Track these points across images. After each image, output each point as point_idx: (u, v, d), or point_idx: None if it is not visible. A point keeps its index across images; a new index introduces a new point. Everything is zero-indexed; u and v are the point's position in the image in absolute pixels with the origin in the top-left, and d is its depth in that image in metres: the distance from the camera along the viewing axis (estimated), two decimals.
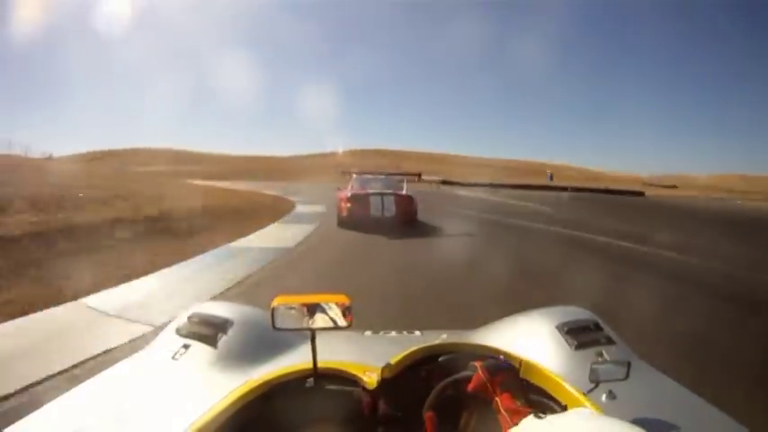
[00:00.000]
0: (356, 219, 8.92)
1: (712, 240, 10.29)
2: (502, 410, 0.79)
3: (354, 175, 10.94)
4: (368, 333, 1.55)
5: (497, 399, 0.82)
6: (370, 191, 9.35)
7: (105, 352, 2.79)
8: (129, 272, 4.73)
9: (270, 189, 21.53)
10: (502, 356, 0.95)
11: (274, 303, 0.91)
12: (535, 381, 0.93)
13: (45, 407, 0.97)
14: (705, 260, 7.31)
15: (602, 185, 37.60)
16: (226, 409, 0.82)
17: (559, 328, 1.25)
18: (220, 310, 1.33)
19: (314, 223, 9.81)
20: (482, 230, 10.02)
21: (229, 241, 7.16)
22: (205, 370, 1.10)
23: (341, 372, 0.95)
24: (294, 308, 0.91)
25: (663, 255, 7.64)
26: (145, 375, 1.11)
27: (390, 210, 9.09)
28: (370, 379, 0.92)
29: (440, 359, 0.96)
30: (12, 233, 5.87)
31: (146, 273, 4.83)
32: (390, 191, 9.49)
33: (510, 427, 0.70)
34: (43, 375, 2.43)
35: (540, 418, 0.67)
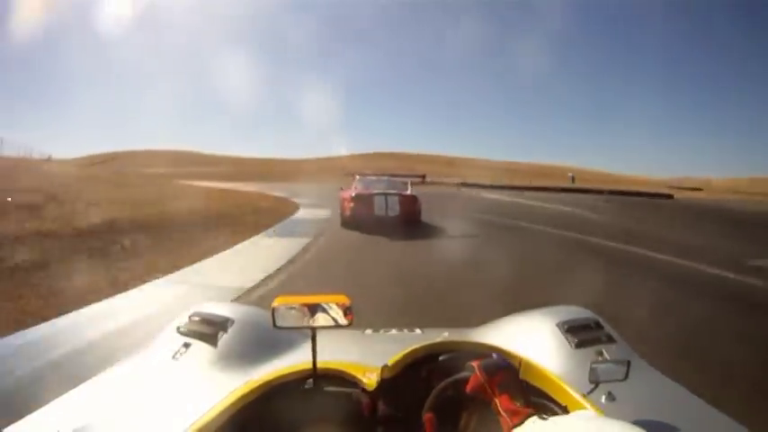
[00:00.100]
0: (359, 218, 8.82)
1: None
2: (501, 411, 0.78)
3: (358, 176, 10.80)
4: (368, 331, 1.52)
5: (496, 399, 0.80)
6: (374, 191, 9.24)
7: None
8: None
9: (277, 191, 20.52)
10: (501, 356, 0.94)
11: (275, 303, 0.92)
12: (535, 381, 0.92)
13: (45, 407, 0.98)
14: None
15: (623, 188, 36.25)
16: (226, 410, 0.83)
17: (560, 326, 1.24)
18: (221, 309, 1.32)
19: (310, 236, 8.05)
20: (537, 250, 7.90)
21: (167, 271, 4.98)
22: (205, 369, 1.10)
23: (341, 372, 0.96)
24: (295, 307, 0.92)
25: None
26: (145, 375, 1.11)
27: (394, 209, 9.01)
28: (370, 379, 0.92)
29: (440, 359, 0.96)
30: None
31: None
32: (394, 191, 9.40)
33: (511, 428, 0.70)
34: None
35: (544, 419, 0.67)
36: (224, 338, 1.20)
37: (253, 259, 5.98)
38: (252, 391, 0.89)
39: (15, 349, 2.86)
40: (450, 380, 0.89)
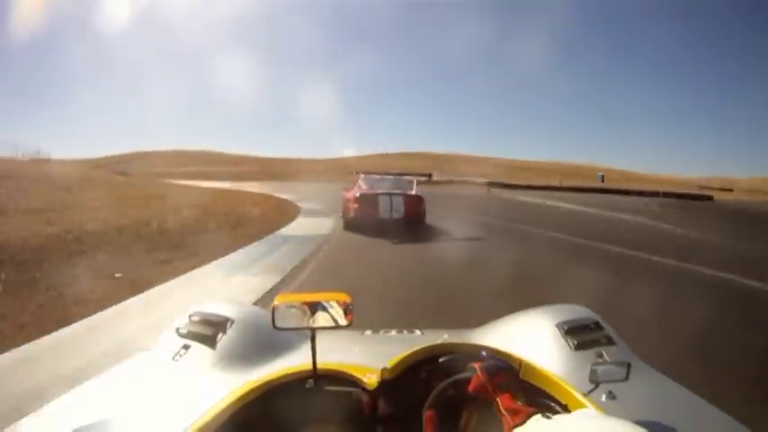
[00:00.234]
0: (363, 220, 8.55)
1: None
2: (503, 411, 0.78)
3: (362, 175, 10.51)
4: (368, 332, 1.52)
5: (498, 399, 0.80)
6: (379, 191, 8.99)
7: None
8: None
9: (285, 192, 19.22)
10: (502, 357, 0.94)
11: (275, 302, 0.92)
12: (535, 382, 0.92)
13: (45, 407, 1.00)
14: None
15: (655, 188, 34.19)
16: (226, 409, 0.83)
17: (559, 326, 1.23)
18: (221, 309, 1.34)
19: (279, 273, 5.41)
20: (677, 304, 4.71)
21: None
22: (205, 370, 1.11)
23: (341, 373, 0.96)
24: (295, 306, 0.92)
25: None
26: (145, 375, 1.13)
27: (399, 211, 8.74)
28: (370, 380, 0.92)
29: (440, 360, 0.96)
30: None
31: None
32: (399, 191, 9.15)
33: (512, 428, 0.71)
34: None
35: (547, 417, 0.68)
36: (224, 339, 1.20)
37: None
38: (252, 392, 0.89)
39: None
40: (450, 380, 0.88)
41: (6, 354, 2.80)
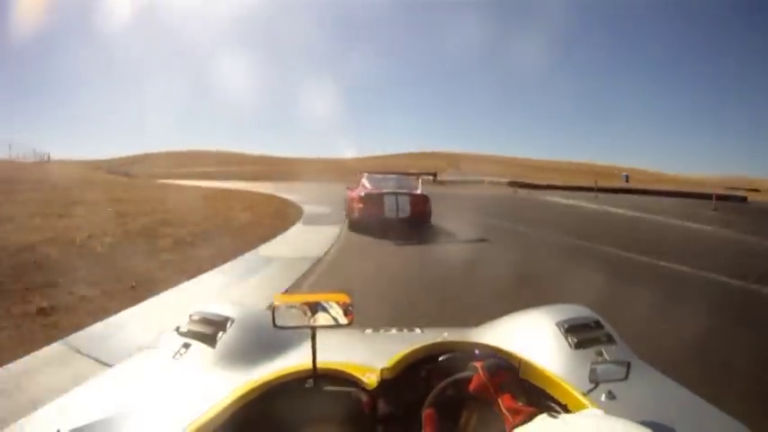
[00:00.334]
0: (368, 220, 8.37)
1: None
2: (504, 410, 0.79)
3: (366, 174, 10.00)
4: (368, 331, 1.52)
5: (499, 399, 0.81)
6: (384, 190, 8.73)
7: None
8: None
9: (291, 192, 17.79)
10: (502, 356, 0.95)
11: (275, 302, 0.93)
12: (535, 381, 0.92)
13: (45, 407, 1.01)
14: None
15: (685, 189, 31.69)
16: (225, 409, 0.84)
17: (559, 325, 1.23)
18: (221, 308, 1.34)
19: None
20: None
21: None
22: (205, 369, 1.12)
23: (341, 372, 0.97)
24: (295, 306, 0.93)
25: None
26: (145, 374, 1.14)
27: (405, 210, 8.48)
28: (370, 379, 0.93)
29: (440, 359, 0.96)
30: None
31: None
32: (405, 190, 8.93)
33: (513, 427, 0.71)
34: None
35: (553, 416, 0.67)
36: (224, 338, 1.20)
37: None
38: (252, 391, 0.89)
39: None
40: (450, 379, 0.88)
41: None
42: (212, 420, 0.79)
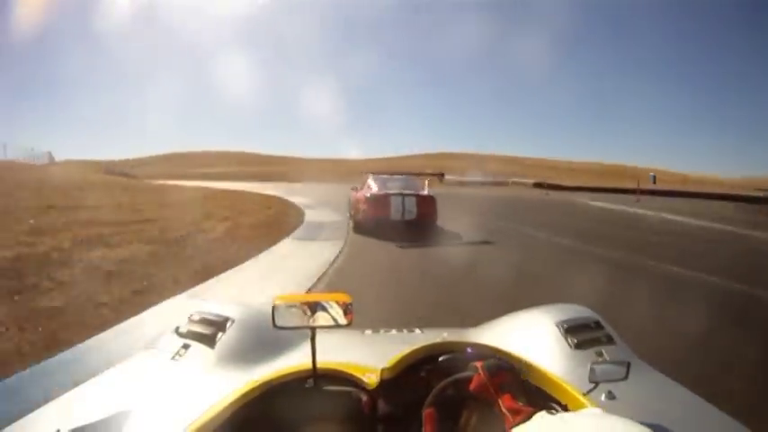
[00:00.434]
0: (374, 221, 8.10)
1: None
2: (504, 410, 0.78)
3: (370, 175, 9.66)
4: (368, 332, 1.50)
5: (499, 399, 0.80)
6: (391, 191, 8.44)
7: None
8: None
9: (300, 194, 17.02)
10: (502, 356, 0.94)
11: (275, 302, 0.92)
12: (535, 381, 0.91)
13: (45, 406, 0.99)
14: None
15: (714, 190, 29.34)
16: (225, 409, 0.83)
17: (559, 325, 1.21)
18: (221, 309, 1.33)
19: None
20: None
21: None
22: (205, 370, 1.11)
23: (341, 372, 0.96)
24: (295, 306, 0.92)
25: None
26: (145, 375, 1.13)
27: (412, 212, 8.19)
28: (370, 380, 0.92)
29: (440, 359, 0.96)
30: None
31: None
32: (411, 191, 8.58)
33: (512, 426, 0.70)
34: None
35: (552, 413, 0.67)
36: (223, 338, 1.19)
37: None
38: (252, 391, 0.89)
39: None
40: (451, 379, 0.88)
41: None
42: (212, 420, 0.79)
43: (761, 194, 23.77)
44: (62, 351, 2.67)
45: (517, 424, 0.68)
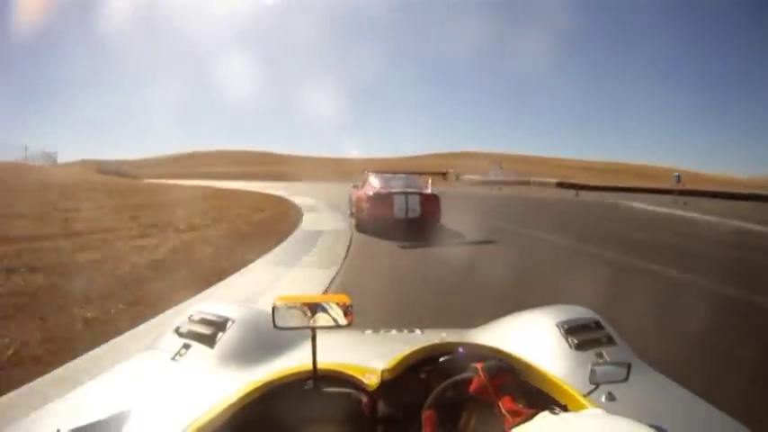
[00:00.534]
0: (377, 220, 7.98)
1: None
2: (504, 412, 0.78)
3: (372, 173, 9.49)
4: (368, 332, 1.50)
5: (498, 400, 0.80)
6: (394, 189, 8.33)
7: None
8: None
9: (303, 194, 16.07)
10: (502, 358, 0.93)
11: (275, 302, 0.93)
12: (535, 382, 0.92)
13: (45, 407, 1.00)
14: None
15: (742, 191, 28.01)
16: (225, 410, 0.84)
17: (560, 326, 1.19)
18: (221, 309, 1.33)
19: None
20: None
21: None
22: (205, 370, 1.12)
23: (341, 373, 0.97)
24: (295, 307, 0.92)
25: None
26: (145, 375, 1.14)
27: (415, 210, 8.06)
28: (370, 380, 0.93)
29: (440, 360, 0.96)
30: None
31: None
32: (414, 189, 8.51)
33: (512, 427, 0.70)
34: None
35: (554, 413, 0.67)
36: (223, 339, 1.20)
37: None
38: (252, 392, 0.89)
39: None
40: (451, 380, 0.88)
41: None
42: (212, 421, 0.80)
43: None
44: None
45: (517, 425, 0.68)
